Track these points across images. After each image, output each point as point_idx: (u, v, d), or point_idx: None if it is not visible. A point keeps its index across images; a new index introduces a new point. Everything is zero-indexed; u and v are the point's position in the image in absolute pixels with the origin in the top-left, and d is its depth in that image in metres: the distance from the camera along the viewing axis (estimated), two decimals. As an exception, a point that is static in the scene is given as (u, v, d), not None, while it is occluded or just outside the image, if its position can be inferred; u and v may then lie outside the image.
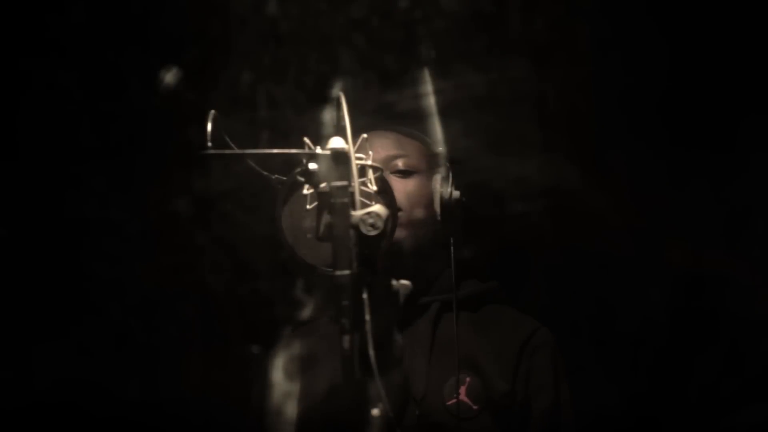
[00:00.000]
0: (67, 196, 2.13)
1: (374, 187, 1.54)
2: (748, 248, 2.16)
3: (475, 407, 1.70)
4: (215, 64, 2.09)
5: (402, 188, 1.79)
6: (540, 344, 1.80)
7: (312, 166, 1.41)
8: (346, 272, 1.28)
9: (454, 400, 1.70)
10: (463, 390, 1.72)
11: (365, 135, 1.67)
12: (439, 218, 1.78)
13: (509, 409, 1.73)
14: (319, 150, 1.40)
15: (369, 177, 1.53)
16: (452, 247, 1.76)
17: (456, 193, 1.78)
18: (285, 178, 1.57)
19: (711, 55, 2.17)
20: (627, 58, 2.18)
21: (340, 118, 1.37)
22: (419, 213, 1.79)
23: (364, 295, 1.28)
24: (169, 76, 2.02)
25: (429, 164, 1.86)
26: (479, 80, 2.16)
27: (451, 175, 1.81)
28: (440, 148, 1.88)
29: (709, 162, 2.18)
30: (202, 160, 1.69)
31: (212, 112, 1.38)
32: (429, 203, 1.81)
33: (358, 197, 1.31)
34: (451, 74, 2.12)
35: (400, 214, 1.74)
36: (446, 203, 1.78)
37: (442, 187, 1.79)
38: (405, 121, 1.93)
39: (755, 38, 2.15)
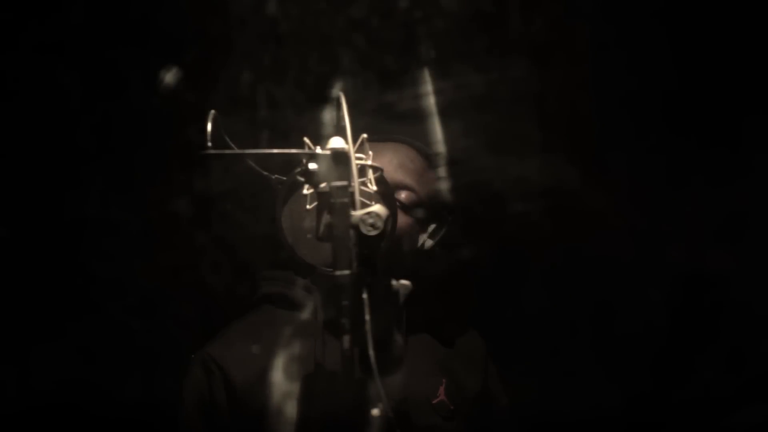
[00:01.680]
0: (67, 196, 2.13)
1: (374, 187, 1.54)
2: (748, 248, 2.16)
3: (451, 407, 1.75)
4: (215, 64, 2.09)
5: None
6: (488, 351, 1.89)
7: (312, 166, 1.41)
8: (346, 272, 1.28)
9: (438, 399, 1.72)
10: (441, 390, 1.75)
11: (365, 135, 1.67)
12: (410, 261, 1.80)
13: (479, 408, 1.80)
14: (319, 150, 1.40)
15: (369, 177, 1.53)
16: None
17: (432, 246, 1.81)
18: (285, 178, 1.57)
19: (712, 55, 2.17)
20: (627, 57, 2.18)
21: (340, 118, 1.37)
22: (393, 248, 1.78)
23: (364, 295, 1.28)
24: (169, 76, 2.02)
25: (429, 207, 1.83)
26: (479, 80, 2.16)
27: (443, 229, 1.82)
28: (445, 201, 1.87)
29: (709, 161, 2.18)
30: (202, 160, 1.68)
31: (212, 112, 1.38)
32: (407, 244, 1.80)
33: (358, 197, 1.31)
34: (451, 74, 2.12)
35: None
36: (423, 256, 1.80)
37: (430, 237, 1.81)
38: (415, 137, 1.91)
39: (755, 37, 2.15)
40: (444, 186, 1.87)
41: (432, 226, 1.83)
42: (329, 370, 1.63)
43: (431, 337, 1.84)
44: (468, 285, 1.91)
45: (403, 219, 1.79)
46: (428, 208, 1.82)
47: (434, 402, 1.73)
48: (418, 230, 1.82)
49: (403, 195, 1.79)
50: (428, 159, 1.88)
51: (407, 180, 1.80)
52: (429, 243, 1.82)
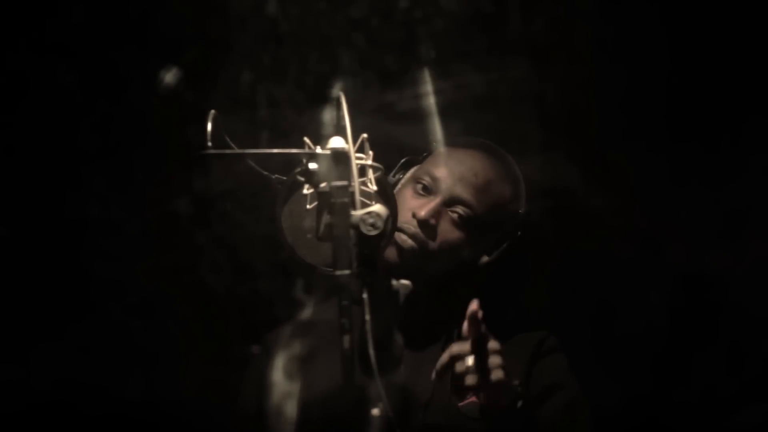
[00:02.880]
0: (67, 196, 2.13)
1: (374, 187, 1.54)
2: (748, 248, 2.16)
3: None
4: (215, 64, 2.09)
5: (445, 229, 1.78)
6: (548, 349, 1.83)
7: (312, 166, 1.41)
8: (346, 272, 1.28)
9: (467, 402, 1.70)
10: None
11: (365, 135, 1.67)
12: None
13: (515, 412, 1.74)
14: (319, 150, 1.40)
15: (369, 177, 1.53)
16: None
17: (487, 262, 1.81)
18: (285, 178, 1.57)
19: (712, 55, 2.17)
20: (627, 57, 2.17)
21: (340, 118, 1.38)
22: (439, 257, 1.78)
23: (364, 295, 1.28)
24: (169, 76, 2.02)
25: (491, 224, 1.82)
26: (479, 80, 2.16)
27: (504, 246, 1.82)
28: (521, 209, 1.86)
29: (709, 161, 2.18)
30: (202, 160, 1.68)
31: (212, 112, 1.38)
32: (456, 258, 1.80)
33: (358, 197, 1.31)
34: (451, 74, 2.12)
35: (416, 245, 1.75)
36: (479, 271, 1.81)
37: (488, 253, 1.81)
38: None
39: (755, 37, 2.15)
40: (516, 202, 1.86)
41: (492, 242, 1.82)
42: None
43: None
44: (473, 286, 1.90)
45: (455, 234, 1.78)
46: (486, 224, 1.81)
47: (461, 404, 1.71)
48: (475, 246, 1.81)
49: (459, 210, 1.78)
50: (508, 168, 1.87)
51: (464, 195, 1.79)
52: (485, 259, 1.81)
